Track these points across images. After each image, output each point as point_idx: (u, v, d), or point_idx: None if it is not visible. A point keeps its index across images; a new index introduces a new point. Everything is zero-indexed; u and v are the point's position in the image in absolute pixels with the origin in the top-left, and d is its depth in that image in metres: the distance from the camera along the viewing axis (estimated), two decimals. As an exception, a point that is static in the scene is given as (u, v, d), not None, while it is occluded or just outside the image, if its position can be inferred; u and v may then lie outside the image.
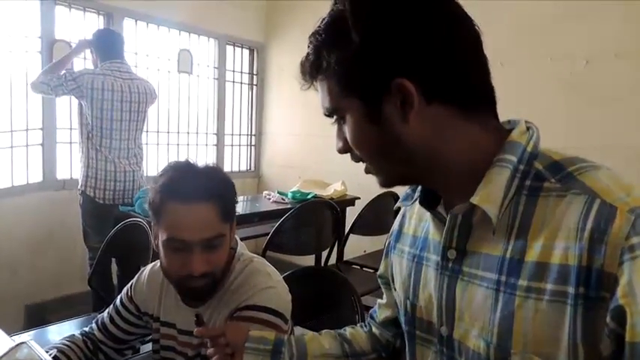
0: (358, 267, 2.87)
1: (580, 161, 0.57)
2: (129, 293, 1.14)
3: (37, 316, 2.77)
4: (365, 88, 0.60)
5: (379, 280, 0.91)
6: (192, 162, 1.00)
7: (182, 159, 1.02)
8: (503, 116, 0.65)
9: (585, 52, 2.54)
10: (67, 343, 1.09)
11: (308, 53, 0.64)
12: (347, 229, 2.66)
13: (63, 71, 2.43)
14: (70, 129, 2.91)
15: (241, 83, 4.15)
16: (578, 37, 2.55)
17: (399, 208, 0.83)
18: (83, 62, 2.85)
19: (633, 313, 0.47)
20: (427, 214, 0.71)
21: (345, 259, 2.78)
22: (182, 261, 0.95)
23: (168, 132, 3.59)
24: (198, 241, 0.93)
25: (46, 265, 2.81)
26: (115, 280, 2.58)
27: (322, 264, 2.60)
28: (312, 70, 0.64)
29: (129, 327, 1.13)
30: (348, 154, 0.68)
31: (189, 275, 0.95)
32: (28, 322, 2.73)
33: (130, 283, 1.16)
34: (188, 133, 3.75)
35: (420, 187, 0.73)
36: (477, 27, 0.61)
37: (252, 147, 4.30)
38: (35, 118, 2.75)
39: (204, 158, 3.91)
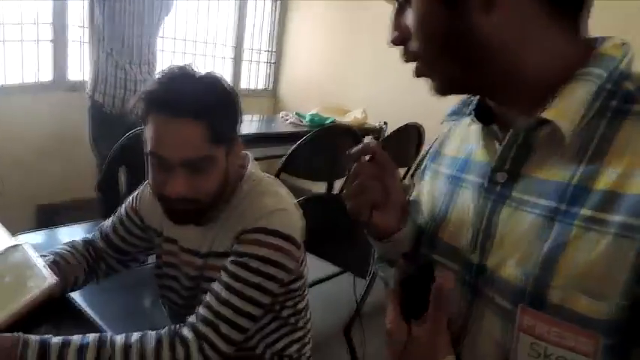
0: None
1: None
2: (134, 204, 1.07)
3: (48, 217, 2.80)
4: None
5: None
6: (189, 69, 0.87)
7: (181, 64, 0.88)
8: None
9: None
10: (68, 248, 1.04)
11: None
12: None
13: None
14: (83, 27, 2.75)
15: (265, -5, 3.88)
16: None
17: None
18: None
19: None
20: (473, 135, 0.63)
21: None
22: (163, 179, 0.86)
23: (185, 40, 3.40)
24: (178, 161, 0.84)
25: (57, 167, 2.77)
26: (123, 188, 2.56)
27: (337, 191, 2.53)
28: None
29: (132, 238, 1.07)
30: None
31: (168, 196, 0.86)
32: (39, 222, 2.76)
33: (135, 193, 1.08)
34: (206, 43, 3.56)
35: (474, 101, 0.63)
36: None
37: (272, 65, 4.10)
38: (46, 12, 2.59)
39: (219, 72, 3.74)
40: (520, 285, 0.51)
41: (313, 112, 3.00)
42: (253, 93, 3.99)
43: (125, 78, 2.34)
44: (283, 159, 1.95)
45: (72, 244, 1.06)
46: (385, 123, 2.92)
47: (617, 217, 0.45)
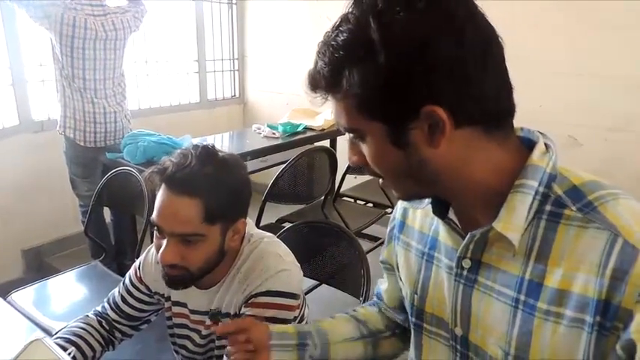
0: (351, 200, 2.89)
1: (599, 188, 0.58)
2: (137, 274, 1.12)
3: (35, 260, 2.79)
4: (391, 114, 0.57)
5: (382, 265, 0.92)
6: (211, 151, 0.96)
7: (205, 144, 0.98)
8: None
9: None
10: (83, 325, 1.09)
11: (320, 65, 0.59)
12: (340, 162, 2.59)
13: None
14: (41, 65, 2.70)
15: (220, 2, 3.84)
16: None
17: None
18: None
19: None
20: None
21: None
22: (159, 244, 0.95)
23: (146, 61, 3.37)
24: (170, 232, 0.93)
25: (37, 209, 2.76)
26: (108, 221, 2.56)
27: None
28: (327, 86, 0.59)
29: (142, 305, 1.13)
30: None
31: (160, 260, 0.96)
32: (27, 266, 2.75)
33: (137, 263, 1.13)
34: (168, 62, 3.53)
35: None
36: (500, 38, 0.57)
37: (236, 72, 4.09)
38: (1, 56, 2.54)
39: (186, 87, 3.72)
40: None
41: (284, 121, 3.04)
42: (221, 103, 3.99)
43: (94, 111, 2.33)
44: (266, 190, 2.00)
45: (86, 321, 1.11)
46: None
47: (567, 312, 0.56)
